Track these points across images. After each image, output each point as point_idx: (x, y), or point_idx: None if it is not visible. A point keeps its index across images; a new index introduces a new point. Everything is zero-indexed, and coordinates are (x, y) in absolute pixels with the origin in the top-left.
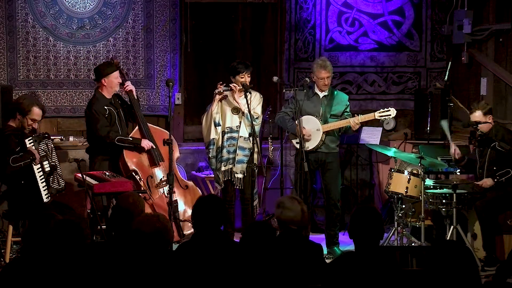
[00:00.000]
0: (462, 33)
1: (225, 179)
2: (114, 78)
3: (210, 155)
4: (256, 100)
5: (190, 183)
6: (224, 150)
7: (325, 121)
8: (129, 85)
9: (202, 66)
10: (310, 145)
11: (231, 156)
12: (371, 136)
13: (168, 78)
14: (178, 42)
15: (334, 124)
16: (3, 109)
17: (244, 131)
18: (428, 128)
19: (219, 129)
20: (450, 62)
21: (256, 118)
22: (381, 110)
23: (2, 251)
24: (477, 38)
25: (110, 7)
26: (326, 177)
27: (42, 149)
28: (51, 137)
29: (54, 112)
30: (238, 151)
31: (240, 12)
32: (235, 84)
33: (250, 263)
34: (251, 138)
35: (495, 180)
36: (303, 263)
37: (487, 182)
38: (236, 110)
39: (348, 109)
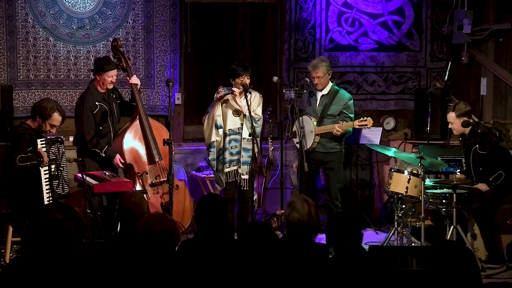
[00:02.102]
0: (462, 33)
1: (230, 180)
2: (108, 76)
3: (209, 158)
4: (256, 101)
5: (181, 183)
6: (227, 152)
7: (320, 121)
8: (134, 79)
9: (202, 66)
10: (304, 146)
11: (234, 157)
12: (371, 136)
13: (168, 78)
14: (178, 42)
15: (323, 128)
16: (3, 108)
17: (246, 133)
18: (428, 128)
19: (221, 131)
20: (450, 62)
21: (258, 120)
22: (361, 119)
23: (2, 251)
24: (477, 38)
25: (110, 7)
26: (325, 176)
27: (52, 152)
28: (64, 142)
29: None
30: (242, 153)
31: (240, 12)
32: (235, 88)
33: (248, 263)
34: (251, 139)
35: (491, 186)
36: (307, 264)
37: (482, 186)
38: (237, 112)
39: (347, 110)
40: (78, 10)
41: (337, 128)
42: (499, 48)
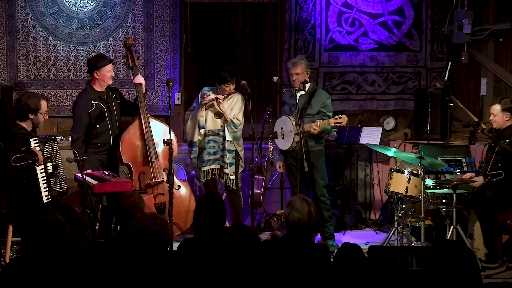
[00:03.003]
0: (462, 33)
1: (208, 178)
2: (107, 71)
3: (191, 156)
4: (238, 105)
5: (185, 183)
6: (205, 152)
7: (300, 121)
8: (139, 78)
9: (202, 66)
10: (284, 146)
11: (211, 157)
12: (371, 136)
13: (168, 78)
14: (178, 42)
15: (303, 127)
16: (3, 108)
17: (229, 135)
18: (428, 128)
19: (203, 131)
20: (450, 62)
21: (238, 125)
22: (336, 117)
23: (2, 251)
24: (477, 38)
25: (110, 7)
26: (309, 174)
27: (46, 151)
28: (57, 139)
29: (54, 112)
30: (228, 155)
31: (240, 12)
32: (220, 96)
33: (247, 262)
34: (234, 142)
35: (486, 180)
36: (307, 264)
37: (478, 181)
38: (219, 115)
39: (325, 109)
40: (78, 10)
41: (314, 127)
42: (499, 48)
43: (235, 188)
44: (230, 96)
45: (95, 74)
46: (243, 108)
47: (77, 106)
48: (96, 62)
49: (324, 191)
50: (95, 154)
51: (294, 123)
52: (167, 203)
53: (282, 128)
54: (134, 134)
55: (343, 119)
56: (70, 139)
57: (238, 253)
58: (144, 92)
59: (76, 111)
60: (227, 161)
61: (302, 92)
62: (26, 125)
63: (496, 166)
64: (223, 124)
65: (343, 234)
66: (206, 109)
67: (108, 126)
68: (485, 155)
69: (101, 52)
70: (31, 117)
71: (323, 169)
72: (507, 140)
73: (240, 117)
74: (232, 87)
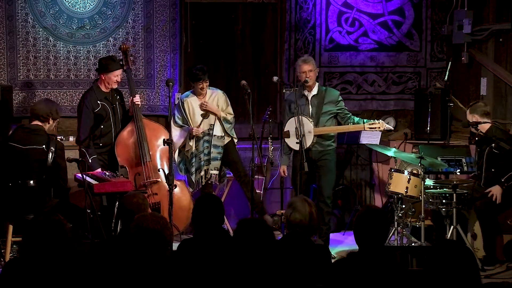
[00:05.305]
0: (462, 33)
1: (205, 180)
2: (114, 76)
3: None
4: (222, 101)
5: (179, 183)
6: (202, 154)
7: (317, 122)
8: (138, 100)
9: None
10: (305, 146)
11: (205, 158)
12: (371, 136)
13: (168, 78)
14: (178, 42)
15: (325, 129)
16: (4, 108)
17: (218, 130)
18: (428, 128)
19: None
20: (450, 62)
21: (232, 118)
22: (371, 122)
23: (2, 251)
24: (477, 38)
25: (110, 7)
26: (318, 174)
27: None
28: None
29: None
30: (212, 149)
31: (240, 12)
32: (195, 131)
33: (246, 262)
34: (223, 137)
35: (504, 187)
36: (307, 264)
37: (497, 191)
38: (205, 115)
39: (340, 104)
40: (78, 10)
41: (345, 130)
42: (499, 48)
43: (218, 183)
44: (209, 96)
45: (102, 76)
46: (228, 100)
47: (83, 106)
48: (106, 65)
49: (331, 193)
50: (97, 154)
51: (312, 123)
52: (162, 202)
53: (296, 128)
54: (128, 136)
55: (381, 125)
56: (78, 139)
57: (237, 253)
58: (139, 109)
59: (83, 110)
60: (212, 155)
61: (314, 92)
62: (46, 127)
63: (490, 169)
64: (213, 123)
65: (343, 234)
66: (189, 108)
67: (111, 127)
68: (476, 163)
69: (101, 52)
70: (53, 123)
71: (335, 170)
72: (493, 144)
73: (230, 110)
74: (206, 84)
